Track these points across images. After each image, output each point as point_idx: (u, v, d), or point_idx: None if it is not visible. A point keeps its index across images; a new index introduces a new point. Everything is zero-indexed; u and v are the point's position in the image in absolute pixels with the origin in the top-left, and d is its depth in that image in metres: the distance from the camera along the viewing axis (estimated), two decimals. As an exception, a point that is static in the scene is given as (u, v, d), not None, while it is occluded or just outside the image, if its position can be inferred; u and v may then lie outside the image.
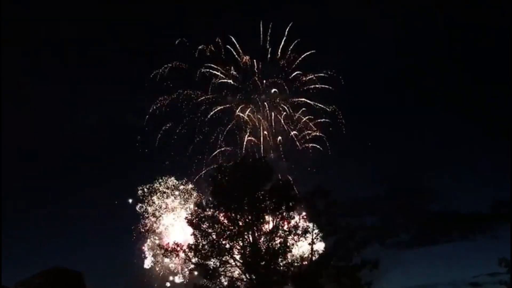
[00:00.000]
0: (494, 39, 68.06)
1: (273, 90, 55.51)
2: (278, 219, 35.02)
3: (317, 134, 54.99)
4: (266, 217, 35.03)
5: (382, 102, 75.18)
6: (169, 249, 36.16)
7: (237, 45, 55.07)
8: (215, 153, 53.24)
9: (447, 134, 73.63)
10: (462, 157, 73.28)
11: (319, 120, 54.96)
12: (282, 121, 55.09)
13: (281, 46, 55.13)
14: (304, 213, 36.51)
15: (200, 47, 54.44)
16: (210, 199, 36.28)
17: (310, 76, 55.11)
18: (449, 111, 73.37)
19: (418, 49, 73.21)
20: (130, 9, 69.36)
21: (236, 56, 55.13)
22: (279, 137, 55.01)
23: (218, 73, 54.92)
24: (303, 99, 55.04)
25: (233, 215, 34.50)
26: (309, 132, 55.10)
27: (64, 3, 69.71)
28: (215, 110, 54.21)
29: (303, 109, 55.09)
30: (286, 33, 54.90)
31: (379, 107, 75.00)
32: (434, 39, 72.62)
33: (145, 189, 49.44)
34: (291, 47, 54.93)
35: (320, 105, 54.68)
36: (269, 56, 55.35)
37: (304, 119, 54.92)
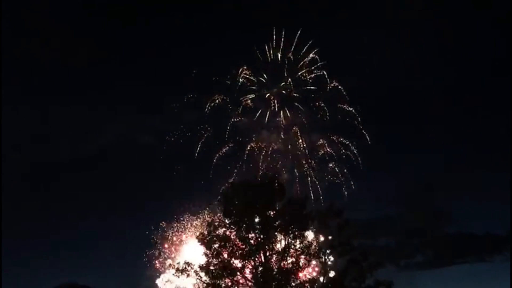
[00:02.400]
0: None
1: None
2: (290, 238, 34.66)
3: (332, 153, 54.90)
4: (278, 236, 34.71)
5: (397, 123, 74.96)
6: (180, 268, 35.84)
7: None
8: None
9: (462, 155, 73.07)
10: (477, 179, 72.49)
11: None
12: (299, 143, 55.07)
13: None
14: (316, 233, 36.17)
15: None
16: (222, 218, 36.11)
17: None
18: (464, 132, 73.00)
19: (430, 71, 73.13)
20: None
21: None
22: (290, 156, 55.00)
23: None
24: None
25: (245, 234, 34.25)
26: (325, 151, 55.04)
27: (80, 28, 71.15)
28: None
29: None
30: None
31: (393, 128, 74.74)
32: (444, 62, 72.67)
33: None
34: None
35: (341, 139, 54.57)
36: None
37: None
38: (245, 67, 54.91)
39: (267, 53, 55.05)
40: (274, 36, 54.72)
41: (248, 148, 54.67)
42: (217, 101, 54.71)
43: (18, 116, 64.96)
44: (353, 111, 54.80)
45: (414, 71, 69.98)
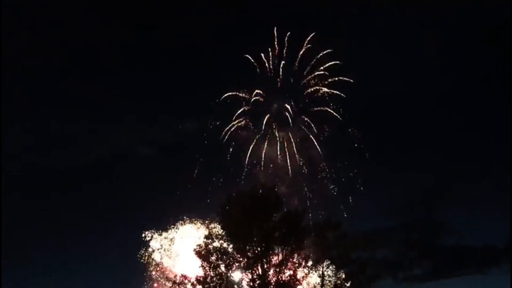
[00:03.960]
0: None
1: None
2: (287, 251, 34.47)
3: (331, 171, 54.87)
4: (276, 248, 34.53)
5: (395, 136, 75.11)
6: (177, 281, 35.58)
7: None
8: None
9: (461, 167, 73.07)
10: (476, 190, 72.44)
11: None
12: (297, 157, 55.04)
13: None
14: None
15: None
16: (219, 230, 35.97)
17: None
18: (463, 144, 73.17)
19: (427, 85, 73.50)
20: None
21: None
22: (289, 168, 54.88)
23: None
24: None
25: (242, 246, 34.07)
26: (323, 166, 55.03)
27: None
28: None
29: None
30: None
31: (391, 141, 74.80)
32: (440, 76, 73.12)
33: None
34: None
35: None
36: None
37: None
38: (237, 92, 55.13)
39: (267, 66, 55.27)
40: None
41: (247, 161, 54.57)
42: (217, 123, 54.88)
43: (17, 126, 64.74)
44: (351, 130, 54.74)
45: (412, 85, 70.45)
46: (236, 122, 55.02)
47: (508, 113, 69.60)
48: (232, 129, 54.75)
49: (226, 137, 54.55)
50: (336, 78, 54.28)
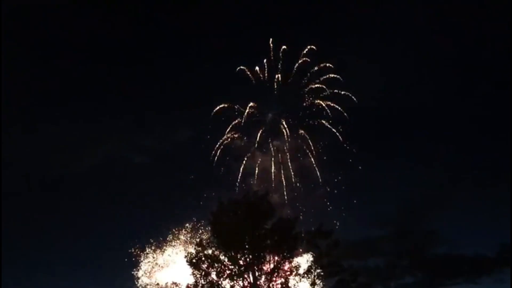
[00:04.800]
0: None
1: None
2: (279, 259, 34.39)
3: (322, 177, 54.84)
4: (267, 256, 34.43)
5: (385, 145, 75.47)
6: (168, 289, 35.39)
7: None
8: None
9: (451, 176, 73.49)
10: (466, 200, 72.89)
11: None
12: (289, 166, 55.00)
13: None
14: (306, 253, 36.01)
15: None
16: (211, 237, 35.82)
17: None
18: (452, 153, 73.64)
19: (417, 89, 74.08)
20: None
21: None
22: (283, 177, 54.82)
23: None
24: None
25: (234, 254, 33.94)
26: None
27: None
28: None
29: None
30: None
31: (382, 150, 75.12)
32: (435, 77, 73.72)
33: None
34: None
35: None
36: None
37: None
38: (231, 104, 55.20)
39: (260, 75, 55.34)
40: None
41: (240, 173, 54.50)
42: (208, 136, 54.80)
43: (9, 131, 64.28)
44: (339, 134, 54.80)
45: (401, 89, 70.94)
46: (229, 134, 55.04)
47: (501, 124, 70.29)
48: (225, 142, 54.75)
49: (220, 148, 54.47)
50: (333, 91, 54.56)
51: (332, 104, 53.95)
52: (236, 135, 54.79)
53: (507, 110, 66.47)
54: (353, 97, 53.67)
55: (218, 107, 54.33)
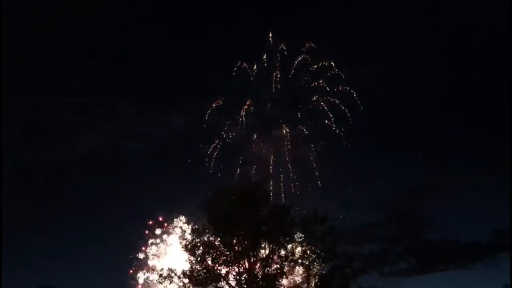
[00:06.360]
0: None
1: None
2: (274, 245, 34.59)
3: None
4: (263, 242, 34.61)
5: (381, 129, 75.47)
6: (163, 274, 35.51)
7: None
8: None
9: (446, 162, 73.86)
10: (461, 186, 73.28)
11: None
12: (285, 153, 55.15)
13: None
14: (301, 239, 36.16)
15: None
16: (206, 224, 35.92)
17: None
18: (448, 138, 73.90)
19: (408, 78, 74.01)
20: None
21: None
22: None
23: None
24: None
25: (229, 240, 34.09)
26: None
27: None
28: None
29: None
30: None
31: (377, 134, 75.16)
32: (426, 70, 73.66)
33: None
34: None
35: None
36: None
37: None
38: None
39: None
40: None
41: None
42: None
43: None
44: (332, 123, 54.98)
45: (392, 78, 70.91)
46: (227, 124, 55.13)
47: (494, 110, 70.42)
48: (224, 135, 54.87)
49: (219, 142, 54.60)
50: (334, 89, 54.67)
51: (332, 100, 54.35)
52: (233, 126, 54.98)
53: (498, 96, 66.55)
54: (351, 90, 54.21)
55: (216, 101, 54.57)
